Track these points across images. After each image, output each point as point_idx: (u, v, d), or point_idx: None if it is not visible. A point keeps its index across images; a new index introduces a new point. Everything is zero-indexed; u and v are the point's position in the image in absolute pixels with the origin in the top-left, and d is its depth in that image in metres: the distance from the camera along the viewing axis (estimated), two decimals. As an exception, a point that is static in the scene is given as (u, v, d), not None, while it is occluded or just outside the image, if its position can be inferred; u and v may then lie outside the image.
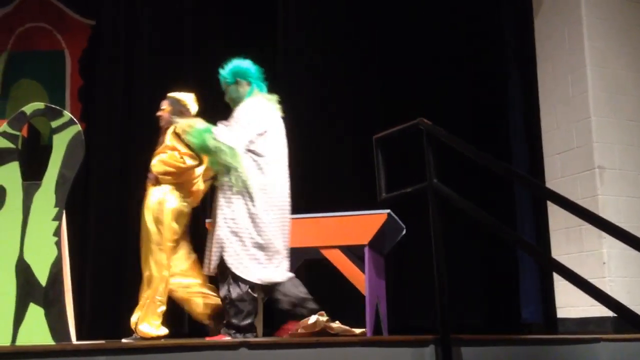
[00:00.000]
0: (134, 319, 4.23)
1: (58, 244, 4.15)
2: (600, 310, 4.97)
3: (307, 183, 5.65)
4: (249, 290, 3.74)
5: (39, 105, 5.49)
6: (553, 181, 5.80)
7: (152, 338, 4.07)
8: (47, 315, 4.85)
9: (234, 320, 3.70)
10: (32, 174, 5.55)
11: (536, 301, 6.06)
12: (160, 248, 4.19)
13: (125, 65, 6.58)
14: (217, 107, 4.45)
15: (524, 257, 6.08)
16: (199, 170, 4.38)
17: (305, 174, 5.59)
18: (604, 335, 3.69)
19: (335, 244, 4.20)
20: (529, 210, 6.19)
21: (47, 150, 5.54)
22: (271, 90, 4.17)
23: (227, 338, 3.60)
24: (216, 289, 4.07)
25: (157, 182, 4.30)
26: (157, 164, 4.30)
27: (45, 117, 5.74)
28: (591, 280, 2.72)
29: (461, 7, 6.53)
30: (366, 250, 4.13)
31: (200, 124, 3.94)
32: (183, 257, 4.35)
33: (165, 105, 4.48)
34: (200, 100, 4.58)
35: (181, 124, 4.09)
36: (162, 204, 4.24)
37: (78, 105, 6.39)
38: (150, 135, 4.70)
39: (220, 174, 3.86)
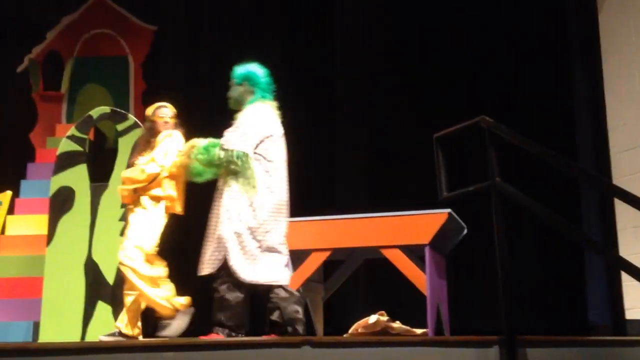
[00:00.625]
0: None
1: (124, 244, 4.28)
2: (671, 312, 4.81)
3: (371, 182, 5.60)
4: (245, 290, 3.69)
5: (105, 109, 5.64)
6: (620, 179, 5.63)
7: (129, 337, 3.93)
8: (114, 312, 5.00)
9: (224, 320, 3.61)
10: (99, 176, 5.73)
11: (603, 302, 5.89)
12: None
13: (186, 69, 6.72)
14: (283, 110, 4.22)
15: (590, 257, 5.93)
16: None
17: (368, 172, 5.53)
18: (676, 337, 3.57)
19: (396, 243, 4.16)
20: (595, 208, 6.03)
21: (113, 152, 5.73)
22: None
23: (220, 337, 3.52)
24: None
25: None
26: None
27: (111, 121, 5.90)
28: (662, 281, 2.64)
29: (525, 1, 6.43)
30: (427, 249, 4.09)
31: (201, 141, 3.94)
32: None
33: (169, 114, 4.34)
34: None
35: (182, 150, 4.03)
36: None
37: (141, 108, 6.56)
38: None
39: (225, 177, 3.81)
